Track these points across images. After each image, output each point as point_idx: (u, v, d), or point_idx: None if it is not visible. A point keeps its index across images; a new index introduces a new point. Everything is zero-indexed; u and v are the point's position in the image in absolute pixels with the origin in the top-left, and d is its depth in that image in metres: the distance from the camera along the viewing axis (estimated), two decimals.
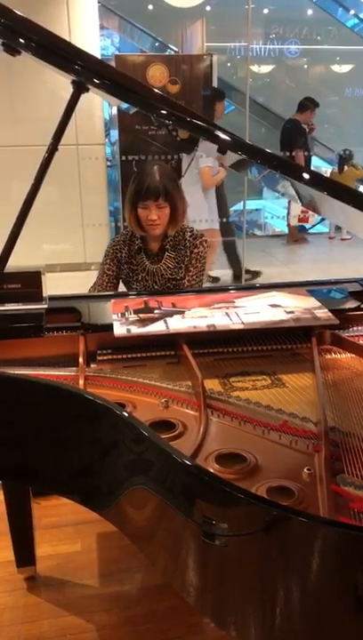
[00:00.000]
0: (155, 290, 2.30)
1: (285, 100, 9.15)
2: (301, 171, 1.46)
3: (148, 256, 2.33)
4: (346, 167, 7.22)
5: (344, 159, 7.24)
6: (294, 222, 6.89)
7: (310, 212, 6.23)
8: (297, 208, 6.42)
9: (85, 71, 1.36)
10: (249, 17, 5.39)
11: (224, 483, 1.03)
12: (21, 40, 1.34)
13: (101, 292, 2.30)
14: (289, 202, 7.11)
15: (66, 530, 2.30)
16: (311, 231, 8.05)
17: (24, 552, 2.03)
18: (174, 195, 2.21)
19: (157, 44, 8.09)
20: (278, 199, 7.93)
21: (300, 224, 6.98)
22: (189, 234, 2.34)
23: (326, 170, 8.05)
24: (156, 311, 1.82)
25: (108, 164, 6.17)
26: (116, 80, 1.37)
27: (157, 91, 1.44)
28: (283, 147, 6.51)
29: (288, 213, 7.00)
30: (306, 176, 1.39)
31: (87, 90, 1.42)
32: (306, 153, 6.45)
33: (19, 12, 1.32)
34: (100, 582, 2.07)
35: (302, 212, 6.44)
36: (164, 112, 1.37)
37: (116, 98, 1.45)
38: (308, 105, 6.49)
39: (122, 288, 2.42)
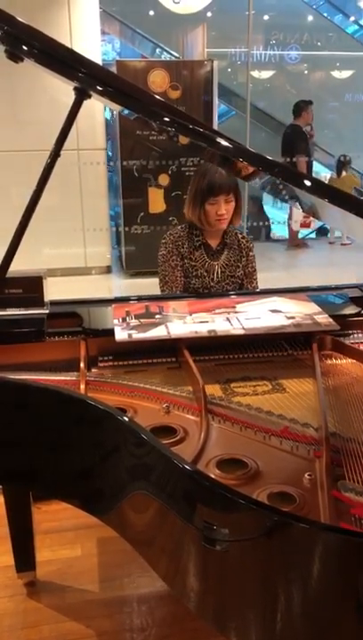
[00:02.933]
0: (210, 287, 2.36)
1: (285, 105, 9.16)
2: (302, 178, 1.46)
3: (207, 252, 2.38)
4: (344, 172, 7.24)
5: (343, 164, 7.27)
6: (297, 227, 6.90)
7: (312, 217, 6.25)
8: (299, 213, 6.43)
9: (88, 78, 1.36)
10: (250, 23, 5.42)
11: (225, 488, 1.03)
12: (24, 47, 1.34)
13: (174, 293, 2.32)
14: (291, 207, 7.14)
15: (66, 535, 2.30)
16: (311, 236, 8.07)
17: (24, 557, 2.02)
18: (239, 189, 2.31)
19: (157, 50, 8.12)
20: (275, 204, 7.94)
21: (301, 229, 6.99)
22: (239, 235, 2.45)
23: (325, 175, 8.08)
24: (157, 316, 1.82)
25: (109, 168, 6.19)
26: (119, 87, 1.38)
27: (158, 97, 1.45)
28: (284, 152, 6.53)
29: (289, 218, 7.02)
30: (307, 183, 1.40)
31: (89, 96, 1.43)
32: (306, 158, 6.46)
33: (21, 20, 1.33)
34: (101, 587, 2.06)
35: (305, 216, 6.46)
36: (166, 119, 1.37)
37: (119, 105, 1.45)
38: (301, 106, 6.52)
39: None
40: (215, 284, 2.38)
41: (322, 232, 7.95)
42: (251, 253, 2.45)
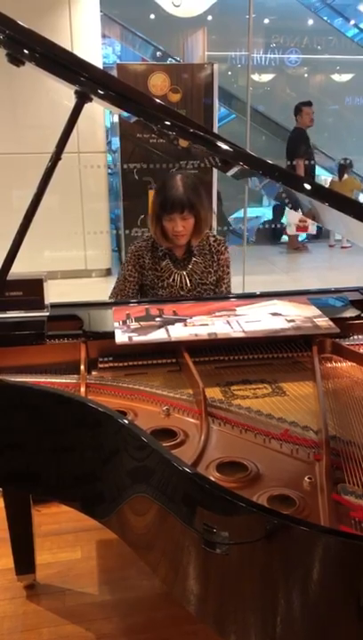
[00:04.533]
0: (181, 296, 2.29)
1: (285, 108, 9.18)
2: (302, 181, 1.47)
3: (173, 262, 2.32)
4: (346, 175, 7.26)
5: (344, 167, 7.28)
6: (292, 231, 6.91)
7: (310, 221, 6.25)
8: (295, 216, 6.43)
9: (89, 82, 1.37)
10: (250, 26, 5.42)
11: (225, 491, 1.04)
12: (26, 51, 1.35)
13: (121, 300, 2.28)
14: (279, 208, 7.15)
15: (66, 537, 2.29)
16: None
17: (24, 560, 2.02)
18: (198, 206, 2.23)
19: (158, 53, 8.14)
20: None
21: (298, 233, 6.99)
22: (212, 239, 2.37)
23: (326, 178, 8.09)
24: (157, 319, 1.82)
25: (110, 171, 6.20)
26: (120, 91, 1.39)
27: (159, 101, 1.45)
28: (287, 155, 6.55)
29: (281, 221, 7.03)
30: (307, 187, 1.40)
31: (90, 100, 1.44)
32: (306, 162, 6.46)
33: (23, 24, 1.34)
34: (100, 590, 2.06)
35: (301, 220, 6.45)
36: (167, 123, 1.38)
37: (120, 108, 1.46)
38: (300, 107, 6.52)
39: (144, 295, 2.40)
40: (186, 292, 2.30)
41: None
42: (222, 257, 2.36)
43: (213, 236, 2.39)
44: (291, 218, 6.61)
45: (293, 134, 6.70)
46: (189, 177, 2.28)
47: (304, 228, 6.65)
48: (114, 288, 2.38)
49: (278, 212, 7.45)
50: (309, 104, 6.52)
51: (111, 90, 1.39)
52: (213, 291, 2.36)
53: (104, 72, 1.49)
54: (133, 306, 1.97)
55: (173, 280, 2.31)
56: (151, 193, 5.67)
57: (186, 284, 2.31)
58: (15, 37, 1.32)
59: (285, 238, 7.57)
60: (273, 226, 7.50)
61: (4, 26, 1.31)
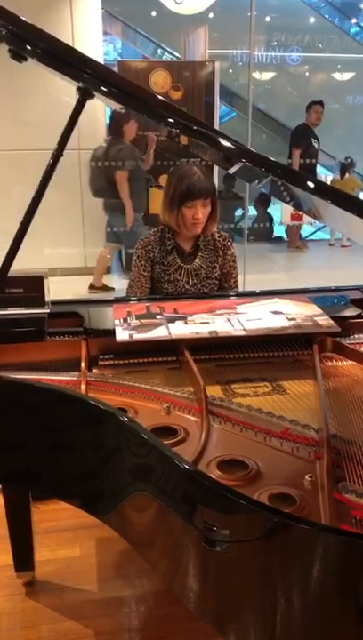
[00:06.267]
0: (186, 290, 2.32)
1: (286, 106, 9.18)
2: (303, 179, 1.46)
3: (180, 255, 2.35)
4: (348, 174, 7.26)
5: (346, 166, 7.28)
6: (288, 221, 6.83)
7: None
8: (288, 209, 6.36)
9: (92, 79, 1.36)
10: (252, 24, 5.42)
11: (226, 489, 1.03)
12: (28, 47, 1.35)
13: (139, 296, 2.30)
14: (260, 203, 7.10)
15: (65, 535, 2.29)
16: (311, 237, 8.06)
17: (23, 556, 2.02)
18: (215, 196, 2.29)
19: (159, 51, 8.12)
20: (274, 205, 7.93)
21: (293, 223, 6.92)
22: (217, 234, 2.40)
23: (327, 177, 8.08)
24: (158, 317, 1.82)
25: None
26: (123, 88, 1.38)
27: (161, 98, 1.45)
28: (289, 150, 6.55)
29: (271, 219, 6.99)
30: (310, 185, 1.40)
31: (92, 96, 1.43)
32: (308, 160, 6.45)
33: (26, 19, 1.33)
34: (99, 587, 2.06)
35: (295, 210, 6.39)
36: (170, 120, 1.37)
37: (122, 105, 1.46)
38: (310, 104, 6.52)
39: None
40: (191, 286, 2.32)
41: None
42: (228, 252, 2.39)
43: (218, 232, 2.42)
44: (284, 208, 6.55)
45: (296, 128, 6.70)
46: (201, 167, 2.31)
47: (299, 217, 6.59)
48: (130, 287, 2.39)
49: (261, 206, 7.44)
50: (320, 103, 6.51)
51: (114, 86, 1.38)
52: (218, 285, 2.39)
53: (107, 68, 1.48)
54: (133, 303, 1.97)
55: (180, 274, 2.33)
56: (152, 190, 5.66)
57: (192, 278, 2.34)
58: (18, 33, 1.31)
59: (277, 234, 7.56)
60: (262, 225, 7.49)
61: (7, 21, 1.30)
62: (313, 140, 6.50)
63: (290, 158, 6.36)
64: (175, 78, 5.45)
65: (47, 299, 1.80)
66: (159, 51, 8.11)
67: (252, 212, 7.72)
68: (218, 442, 1.33)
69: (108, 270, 6.00)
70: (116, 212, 5.07)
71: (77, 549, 2.23)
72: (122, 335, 1.69)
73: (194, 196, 2.21)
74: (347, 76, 9.49)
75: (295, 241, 7.26)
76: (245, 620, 1.10)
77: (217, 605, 1.14)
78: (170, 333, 1.70)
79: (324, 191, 1.43)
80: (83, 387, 1.54)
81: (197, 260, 2.34)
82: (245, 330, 1.73)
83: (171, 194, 2.26)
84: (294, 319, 1.80)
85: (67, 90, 1.52)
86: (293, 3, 9.06)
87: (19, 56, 1.35)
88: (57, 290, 1.88)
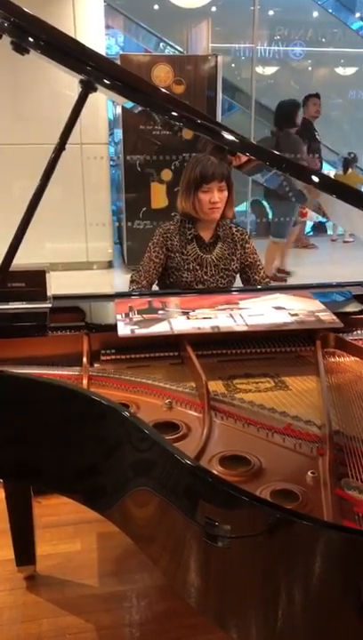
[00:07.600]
0: (204, 281, 2.36)
1: None
2: (308, 173, 1.45)
3: (200, 246, 2.37)
4: (350, 169, 7.24)
5: (349, 161, 7.27)
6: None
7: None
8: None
9: (96, 71, 1.35)
10: (255, 18, 5.39)
11: (228, 485, 1.03)
12: (30, 39, 1.34)
13: (145, 280, 2.36)
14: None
15: (66, 529, 2.30)
16: (309, 234, 8.03)
17: (24, 551, 2.02)
18: (230, 179, 2.31)
19: (161, 45, 8.08)
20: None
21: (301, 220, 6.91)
22: (234, 229, 2.43)
23: (329, 172, 8.06)
24: (160, 312, 1.81)
25: (112, 163, 6.17)
26: (127, 81, 1.37)
27: (165, 91, 1.44)
28: None
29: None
30: (315, 179, 1.39)
31: (95, 90, 1.42)
32: (310, 155, 6.42)
33: (29, 11, 1.32)
34: (100, 582, 2.07)
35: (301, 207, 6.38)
36: (174, 113, 1.36)
37: (126, 98, 1.44)
38: (307, 98, 6.47)
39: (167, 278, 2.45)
40: (209, 277, 2.36)
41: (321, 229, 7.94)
42: (247, 245, 2.43)
43: (236, 227, 2.45)
44: None
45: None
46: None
47: (304, 214, 6.58)
48: (137, 271, 2.42)
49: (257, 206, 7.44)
50: (316, 96, 6.48)
51: (117, 79, 1.37)
52: (246, 279, 2.45)
53: (110, 61, 1.47)
54: (135, 298, 1.96)
55: (199, 264, 2.35)
56: (154, 185, 5.65)
57: (211, 268, 2.35)
58: (20, 25, 1.30)
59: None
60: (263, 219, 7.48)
61: (10, 13, 1.29)
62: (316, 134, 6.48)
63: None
64: (177, 72, 5.43)
65: (49, 293, 1.79)
66: (161, 45, 8.06)
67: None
68: (220, 437, 1.33)
69: (110, 265, 5.99)
70: None
71: (78, 544, 2.23)
72: (124, 330, 1.69)
73: (208, 179, 2.23)
74: (350, 70, 9.43)
75: (303, 240, 7.22)
76: (246, 616, 1.10)
77: (218, 600, 1.14)
78: (172, 328, 1.70)
79: (327, 185, 1.42)
80: (84, 382, 1.54)
81: (216, 251, 2.37)
82: (247, 325, 1.72)
83: (186, 181, 2.30)
84: (296, 315, 1.80)
85: (69, 84, 1.51)
86: None
87: (21, 48, 1.34)
88: (58, 285, 1.88)
